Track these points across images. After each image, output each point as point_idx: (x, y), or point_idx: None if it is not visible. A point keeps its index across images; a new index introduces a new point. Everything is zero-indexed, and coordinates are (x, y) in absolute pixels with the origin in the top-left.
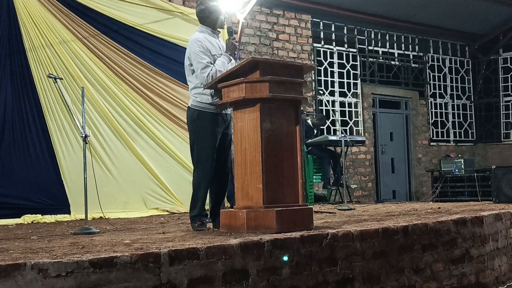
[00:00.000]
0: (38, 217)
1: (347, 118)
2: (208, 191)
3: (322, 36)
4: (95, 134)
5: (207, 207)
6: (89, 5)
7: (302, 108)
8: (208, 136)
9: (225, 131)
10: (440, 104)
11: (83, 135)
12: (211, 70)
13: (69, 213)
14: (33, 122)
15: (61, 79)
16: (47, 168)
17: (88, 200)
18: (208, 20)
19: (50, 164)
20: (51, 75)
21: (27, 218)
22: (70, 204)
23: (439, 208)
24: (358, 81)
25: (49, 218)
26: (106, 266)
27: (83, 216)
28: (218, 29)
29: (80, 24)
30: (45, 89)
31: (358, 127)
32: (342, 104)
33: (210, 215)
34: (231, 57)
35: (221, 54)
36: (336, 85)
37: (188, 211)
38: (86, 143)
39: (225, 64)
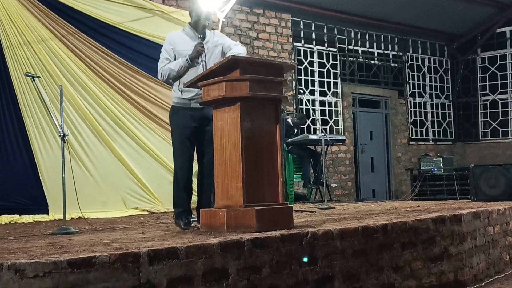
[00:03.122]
0: (15, 217)
1: (327, 117)
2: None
3: (302, 35)
4: (73, 133)
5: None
6: (67, 3)
7: (282, 107)
8: (180, 130)
9: (204, 127)
10: (419, 103)
11: (62, 134)
12: (164, 66)
13: (47, 213)
14: (11, 121)
15: (39, 77)
16: (25, 168)
17: (66, 200)
18: (191, 20)
19: (28, 164)
20: (29, 74)
21: (4, 219)
22: (48, 204)
23: (418, 206)
24: (338, 80)
25: (27, 218)
26: (85, 266)
27: (61, 216)
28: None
29: (58, 22)
30: (23, 88)
31: (338, 126)
32: (322, 103)
33: (196, 211)
34: (190, 62)
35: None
36: (316, 84)
37: (168, 210)
38: (65, 142)
39: (178, 65)
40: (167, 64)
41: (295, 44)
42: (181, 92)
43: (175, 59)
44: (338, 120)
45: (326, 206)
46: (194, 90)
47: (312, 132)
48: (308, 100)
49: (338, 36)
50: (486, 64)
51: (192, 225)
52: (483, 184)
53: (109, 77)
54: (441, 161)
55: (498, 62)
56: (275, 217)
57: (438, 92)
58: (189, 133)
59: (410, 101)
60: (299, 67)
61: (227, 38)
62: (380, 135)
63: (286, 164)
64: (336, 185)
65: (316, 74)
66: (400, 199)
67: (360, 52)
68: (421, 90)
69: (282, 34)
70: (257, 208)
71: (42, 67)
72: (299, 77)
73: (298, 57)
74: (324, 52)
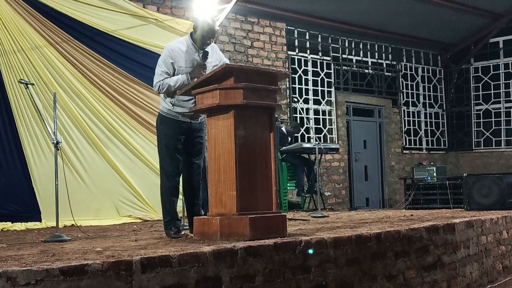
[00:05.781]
0: (8, 225)
1: (321, 126)
2: (184, 198)
3: (296, 44)
4: (67, 140)
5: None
6: (61, 10)
7: (276, 116)
8: (168, 140)
9: (191, 139)
10: (413, 113)
11: (55, 142)
12: (163, 80)
13: (40, 220)
14: (4, 128)
15: (32, 84)
16: (18, 175)
17: (59, 207)
18: (194, 34)
19: (21, 171)
20: (22, 81)
21: None
22: (41, 212)
23: (412, 215)
24: (332, 89)
25: (19, 226)
26: (77, 274)
27: (54, 224)
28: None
29: (52, 29)
30: (16, 95)
31: (332, 134)
32: (316, 112)
33: (188, 219)
34: (190, 81)
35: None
36: (310, 92)
37: (161, 218)
38: (58, 150)
39: (178, 82)
40: (166, 79)
41: (290, 52)
42: (173, 106)
43: (174, 74)
44: (332, 128)
45: (319, 215)
46: (187, 106)
47: (306, 141)
48: (302, 109)
49: (332, 45)
50: (479, 74)
51: (183, 232)
52: (476, 193)
53: (103, 84)
54: (434, 170)
55: (491, 72)
56: (268, 226)
57: (432, 101)
58: (178, 143)
59: (404, 110)
60: (293, 75)
61: (222, 55)
62: (373, 144)
63: (280, 172)
64: (329, 193)
65: (310, 82)
66: (394, 208)
67: (354, 61)
68: (415, 99)
69: (277, 43)
70: (250, 216)
71: (36, 74)
72: (293, 85)
73: (292, 66)
74: (318, 61)
